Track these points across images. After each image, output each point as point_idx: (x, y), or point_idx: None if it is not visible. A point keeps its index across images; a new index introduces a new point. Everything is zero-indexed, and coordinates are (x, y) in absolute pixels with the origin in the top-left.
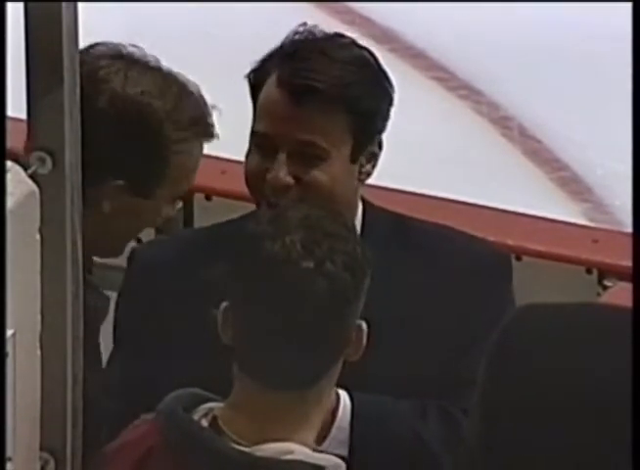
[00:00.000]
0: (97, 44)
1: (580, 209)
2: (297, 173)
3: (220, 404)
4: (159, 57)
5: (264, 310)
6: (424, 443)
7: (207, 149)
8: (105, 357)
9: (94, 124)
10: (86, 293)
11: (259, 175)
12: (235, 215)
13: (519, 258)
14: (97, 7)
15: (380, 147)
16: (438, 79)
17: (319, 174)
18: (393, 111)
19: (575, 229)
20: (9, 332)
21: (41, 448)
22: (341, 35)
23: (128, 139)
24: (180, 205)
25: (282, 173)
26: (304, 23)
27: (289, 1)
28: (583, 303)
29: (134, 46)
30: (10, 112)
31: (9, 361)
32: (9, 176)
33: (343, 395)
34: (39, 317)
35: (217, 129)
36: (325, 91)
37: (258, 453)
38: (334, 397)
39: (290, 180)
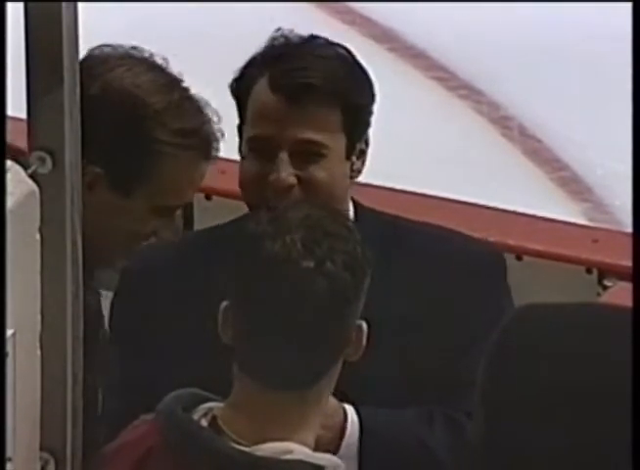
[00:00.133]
0: (107, 45)
1: (580, 208)
2: (299, 172)
3: (220, 404)
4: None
5: (264, 310)
6: (431, 453)
7: None
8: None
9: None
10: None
11: (259, 180)
12: (235, 215)
13: (519, 258)
14: (97, 7)
15: (367, 144)
16: (438, 79)
17: (320, 172)
18: (394, 111)
19: (575, 229)
20: (9, 332)
21: (41, 448)
22: (314, 36)
23: (113, 128)
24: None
25: (285, 174)
26: (279, 29)
27: (289, 1)
28: (583, 303)
29: (145, 49)
30: (10, 112)
31: (9, 361)
32: (9, 176)
33: (351, 411)
34: (39, 317)
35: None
36: (320, 87)
37: (258, 453)
38: (341, 412)
39: (293, 180)
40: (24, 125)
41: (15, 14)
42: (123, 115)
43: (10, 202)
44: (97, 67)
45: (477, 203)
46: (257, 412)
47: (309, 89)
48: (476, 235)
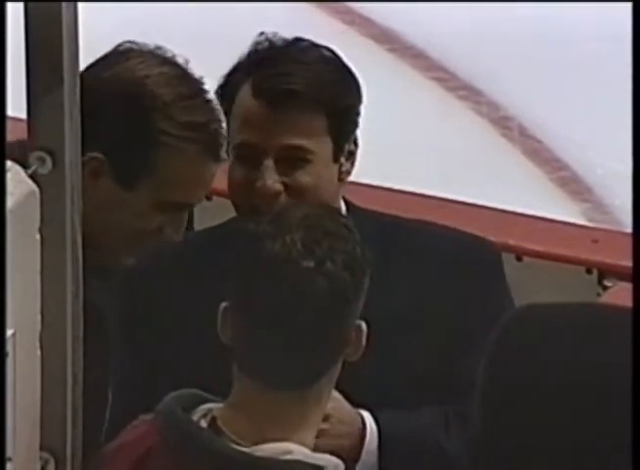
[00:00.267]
0: (132, 42)
1: (580, 209)
2: (285, 179)
3: (219, 405)
4: None
5: (264, 310)
6: (449, 456)
7: None
8: None
9: (92, 93)
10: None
11: (246, 186)
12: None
13: (519, 259)
14: (97, 7)
15: (356, 145)
16: (438, 79)
17: (305, 177)
18: (393, 111)
19: (575, 229)
20: (9, 332)
21: (41, 448)
22: (299, 39)
23: (120, 117)
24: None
25: (271, 181)
26: (262, 33)
27: (289, 1)
28: (583, 303)
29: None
30: (10, 112)
31: (9, 361)
32: (9, 176)
33: (368, 417)
34: (39, 317)
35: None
36: (303, 93)
37: (257, 453)
38: (359, 419)
39: (279, 187)
40: (24, 125)
41: (15, 14)
42: (131, 104)
43: (10, 202)
44: (114, 56)
45: (476, 203)
46: (257, 413)
47: (292, 95)
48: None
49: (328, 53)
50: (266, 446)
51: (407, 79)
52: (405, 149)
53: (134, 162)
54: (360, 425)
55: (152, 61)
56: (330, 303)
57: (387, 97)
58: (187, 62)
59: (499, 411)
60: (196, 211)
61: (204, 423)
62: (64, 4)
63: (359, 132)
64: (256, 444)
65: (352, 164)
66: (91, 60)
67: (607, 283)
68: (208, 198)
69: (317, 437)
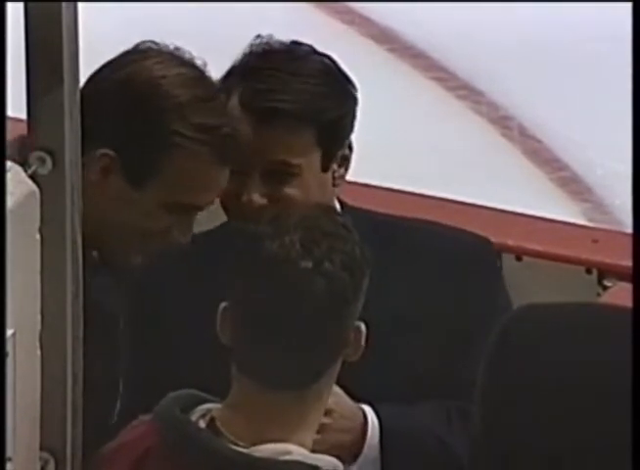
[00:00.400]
0: (152, 41)
1: (580, 209)
2: (271, 193)
3: (218, 405)
4: None
5: (263, 310)
6: (451, 450)
7: None
8: None
9: (108, 90)
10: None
11: (235, 199)
12: None
13: (519, 259)
14: (97, 7)
15: (350, 149)
16: (438, 79)
17: (292, 191)
18: (393, 111)
19: (575, 229)
20: (9, 332)
21: (41, 448)
22: (298, 43)
23: (134, 115)
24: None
25: (255, 196)
26: (259, 36)
27: (289, 1)
28: (583, 303)
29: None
30: (10, 112)
31: (9, 361)
32: (9, 176)
33: (370, 412)
34: (39, 317)
35: None
36: (290, 111)
37: (256, 454)
38: (360, 414)
39: (263, 201)
40: (24, 125)
41: (15, 14)
42: (145, 103)
43: (10, 202)
44: (132, 55)
45: (476, 203)
46: (256, 413)
47: (278, 113)
48: None
49: (324, 61)
50: (265, 447)
51: (407, 79)
52: (405, 149)
53: (145, 160)
54: (362, 419)
55: (169, 61)
56: (328, 303)
57: (386, 97)
58: (205, 64)
59: (499, 411)
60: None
61: (202, 423)
62: (64, 4)
63: (359, 132)
64: (255, 444)
65: (346, 168)
66: (91, 60)
67: (607, 283)
68: None
69: (319, 432)
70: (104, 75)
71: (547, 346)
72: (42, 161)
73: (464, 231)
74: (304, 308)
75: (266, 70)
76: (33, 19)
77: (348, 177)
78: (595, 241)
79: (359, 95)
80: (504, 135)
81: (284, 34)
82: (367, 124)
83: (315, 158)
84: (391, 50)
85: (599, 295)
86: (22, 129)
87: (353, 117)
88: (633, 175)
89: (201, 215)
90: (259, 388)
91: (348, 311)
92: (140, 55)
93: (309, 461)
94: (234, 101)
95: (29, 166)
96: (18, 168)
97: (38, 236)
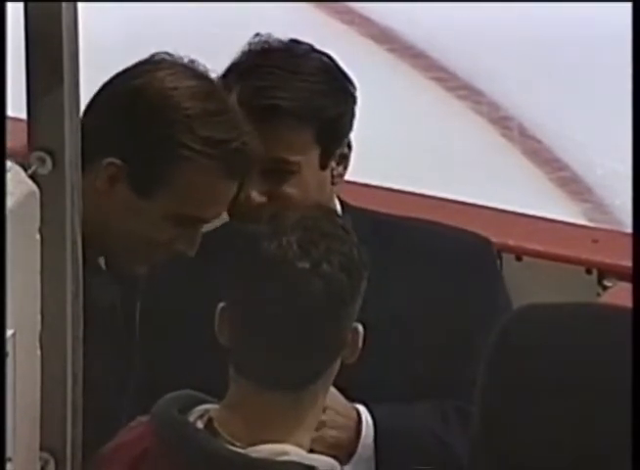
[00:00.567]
0: (167, 53)
1: (580, 209)
2: (270, 191)
3: (216, 406)
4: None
5: (260, 310)
6: (449, 449)
7: None
8: None
9: (118, 99)
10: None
11: (233, 197)
12: None
13: (519, 259)
14: (97, 7)
15: (349, 147)
16: (438, 79)
17: (290, 189)
18: (393, 111)
19: (575, 229)
20: (9, 332)
21: (41, 448)
22: (297, 42)
23: (143, 125)
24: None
25: (254, 194)
26: (257, 34)
27: (289, 1)
28: (583, 303)
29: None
30: (10, 112)
31: (9, 361)
32: (9, 176)
33: (364, 412)
34: (39, 317)
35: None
36: (289, 108)
37: (253, 454)
38: (354, 413)
39: (262, 199)
40: (24, 125)
41: (15, 14)
42: (155, 114)
43: (10, 202)
44: (146, 65)
45: (476, 203)
46: (253, 414)
47: (276, 111)
48: None
49: (322, 59)
50: (262, 447)
51: (407, 79)
52: (405, 149)
53: (152, 171)
54: (356, 418)
55: (182, 73)
56: (326, 304)
57: (386, 97)
58: (218, 76)
59: (499, 411)
60: None
61: (200, 424)
62: (64, 4)
63: (359, 132)
64: (253, 445)
65: (345, 167)
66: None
67: (607, 283)
68: None
69: (316, 428)
70: (116, 84)
71: (547, 346)
72: (42, 161)
73: (464, 231)
74: (302, 309)
75: (265, 68)
76: (33, 18)
77: (348, 177)
78: (595, 241)
79: (359, 95)
80: (504, 135)
81: (284, 34)
82: (367, 124)
83: (314, 155)
84: (391, 50)
85: (599, 295)
86: (23, 129)
87: (352, 115)
88: (633, 175)
89: None
90: (257, 388)
91: (346, 313)
92: (153, 65)
93: (306, 462)
94: (233, 99)
95: (29, 166)
96: (18, 168)
97: (38, 236)
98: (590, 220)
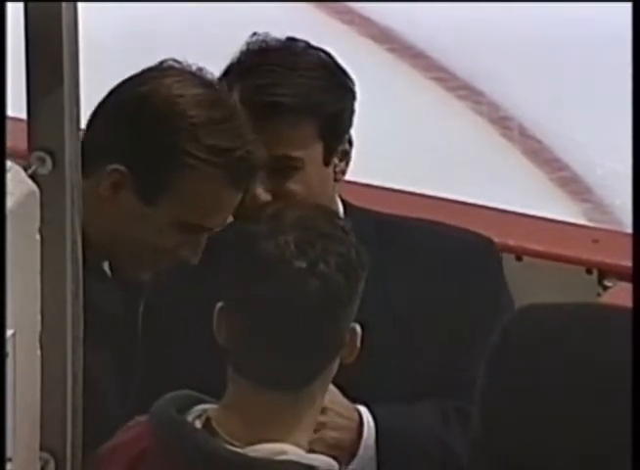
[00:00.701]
0: (176, 60)
1: (580, 209)
2: (275, 188)
3: (214, 406)
4: (158, 57)
5: (258, 310)
6: (450, 450)
7: None
8: None
9: (124, 105)
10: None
11: None
12: None
13: (519, 259)
14: (97, 7)
15: (350, 144)
16: (438, 80)
17: (295, 185)
18: (393, 111)
19: (575, 229)
20: (9, 332)
21: (41, 448)
22: (294, 39)
23: (148, 132)
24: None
25: (259, 191)
26: (255, 34)
27: (289, 1)
28: (583, 303)
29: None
30: (10, 112)
31: (9, 361)
32: (9, 176)
33: (365, 412)
34: (39, 317)
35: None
36: (290, 104)
37: (252, 454)
38: (356, 414)
39: (267, 196)
40: (24, 125)
41: (15, 14)
42: (160, 121)
43: (10, 202)
44: (153, 72)
45: (476, 203)
46: (251, 413)
47: (278, 108)
48: None
49: (320, 56)
50: (260, 447)
51: (407, 79)
52: (405, 149)
53: (156, 178)
54: (357, 419)
55: (189, 81)
56: (323, 304)
57: (386, 97)
58: (226, 87)
59: (499, 412)
60: None
61: (198, 424)
62: (64, 4)
63: (359, 132)
64: (251, 444)
65: (347, 163)
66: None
67: (607, 283)
68: None
69: (317, 429)
70: (122, 91)
71: (547, 346)
72: (42, 161)
73: (467, 231)
74: (298, 309)
75: (265, 67)
76: (33, 19)
77: (349, 177)
78: (595, 241)
79: (359, 95)
80: (504, 135)
81: (284, 34)
82: (367, 124)
83: (317, 151)
84: (391, 50)
85: (599, 295)
86: (23, 129)
87: (352, 111)
88: (633, 175)
89: None
90: (255, 388)
91: (344, 313)
92: (160, 72)
93: (305, 461)
94: (237, 105)
95: (29, 166)
96: (18, 168)
97: (38, 236)
98: (590, 220)
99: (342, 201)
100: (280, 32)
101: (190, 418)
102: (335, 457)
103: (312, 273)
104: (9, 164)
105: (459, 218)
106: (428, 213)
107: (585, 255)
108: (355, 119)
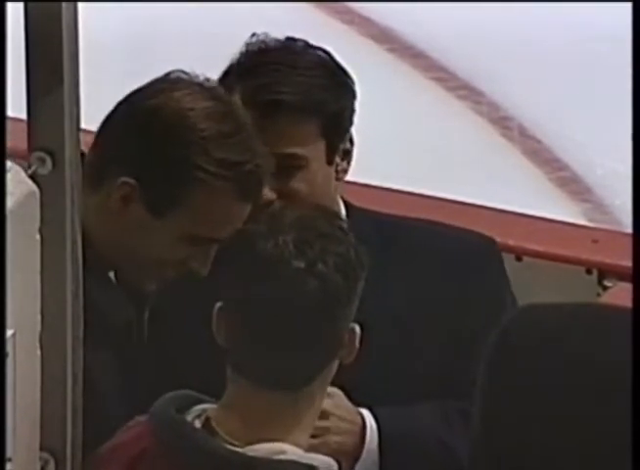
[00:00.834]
0: (183, 71)
1: (580, 209)
2: (278, 187)
3: (213, 406)
4: (158, 57)
5: (256, 310)
6: (452, 452)
7: None
8: None
9: (134, 118)
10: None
11: None
12: None
13: (519, 259)
14: (97, 7)
15: (351, 142)
16: (438, 79)
17: (298, 184)
18: (393, 111)
19: (575, 229)
20: (9, 332)
21: (41, 448)
22: (293, 39)
23: (158, 145)
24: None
25: (265, 190)
26: (254, 34)
27: (289, 1)
28: (583, 303)
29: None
30: (10, 112)
31: (9, 361)
32: (9, 176)
33: (368, 416)
34: (39, 317)
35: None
36: (292, 103)
37: (251, 454)
38: (359, 418)
39: (272, 195)
40: (24, 125)
41: (15, 14)
42: (171, 134)
43: (10, 202)
44: (162, 84)
45: (476, 203)
46: (250, 413)
47: (281, 106)
48: None
49: (320, 55)
50: (260, 446)
51: (407, 79)
52: (405, 149)
53: (166, 191)
54: (361, 423)
55: (198, 94)
56: (321, 303)
57: (386, 97)
58: (235, 100)
59: (499, 412)
60: None
61: (197, 424)
62: (64, 4)
63: (359, 133)
64: (250, 444)
65: (349, 162)
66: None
67: (607, 283)
68: None
69: (319, 435)
70: (132, 103)
71: (547, 346)
72: (42, 161)
73: (469, 231)
74: (297, 309)
75: (265, 66)
76: (33, 18)
77: (349, 177)
78: (595, 241)
79: (359, 95)
80: (504, 135)
81: (284, 34)
82: (367, 124)
83: (320, 150)
84: (391, 50)
85: (599, 295)
86: (23, 129)
87: (353, 109)
88: (633, 175)
89: None
90: (254, 388)
91: (342, 313)
92: (170, 85)
93: (304, 461)
94: (235, 98)
95: (29, 166)
96: (18, 168)
97: (38, 236)
98: (590, 220)
99: (345, 202)
100: (280, 32)
101: (189, 418)
102: (338, 461)
103: (311, 273)
104: (9, 164)
105: (459, 218)
106: (428, 213)
107: (585, 255)
108: (355, 119)
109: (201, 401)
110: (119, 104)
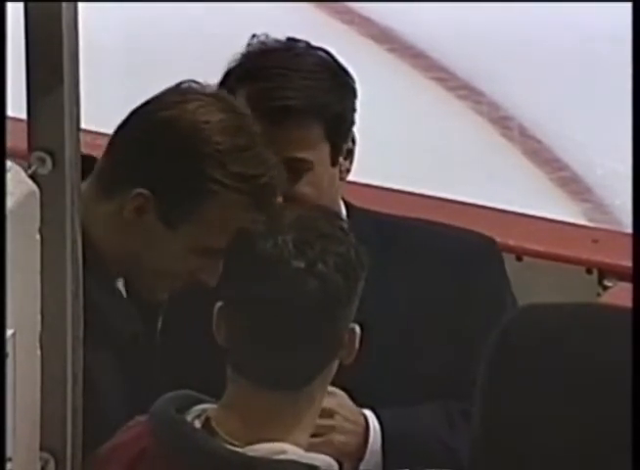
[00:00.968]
0: (194, 81)
1: (580, 209)
2: (285, 191)
3: (213, 406)
4: (158, 57)
5: (256, 310)
6: (454, 454)
7: None
8: None
9: (148, 130)
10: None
11: None
12: None
13: (519, 259)
14: (97, 7)
15: (353, 141)
16: (438, 79)
17: (306, 187)
18: (393, 111)
19: (575, 229)
20: (9, 332)
21: (41, 448)
22: (294, 40)
23: (173, 158)
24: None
25: None
26: (254, 35)
27: (289, 1)
28: (583, 303)
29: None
30: (10, 112)
31: (9, 361)
32: (9, 176)
33: (371, 417)
34: (39, 317)
35: None
36: (299, 107)
37: (251, 453)
38: (362, 419)
39: (280, 200)
40: (24, 125)
41: (15, 14)
42: (186, 147)
43: (10, 202)
44: (174, 95)
45: (476, 203)
46: (251, 413)
47: (288, 111)
48: None
49: (322, 56)
50: (260, 446)
51: (407, 79)
52: (405, 149)
53: (180, 204)
54: (364, 424)
55: (212, 106)
56: (321, 304)
57: (386, 97)
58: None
59: (499, 412)
60: None
61: (197, 424)
62: (64, 4)
63: (359, 133)
64: (250, 444)
65: (351, 161)
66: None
67: (607, 283)
68: None
69: (322, 434)
70: (145, 114)
71: (547, 346)
72: (42, 161)
73: (469, 231)
74: (297, 309)
75: (268, 69)
76: (33, 18)
77: (349, 178)
78: (595, 241)
79: (359, 95)
80: (504, 135)
81: (285, 35)
82: (367, 124)
83: (325, 152)
84: (391, 50)
85: (599, 295)
86: (23, 129)
87: (354, 109)
88: (633, 175)
89: None
90: (254, 388)
91: (342, 313)
92: (183, 96)
93: (304, 460)
94: (239, 102)
95: (29, 166)
96: (18, 168)
97: (38, 236)
98: (590, 220)
99: (345, 202)
100: (280, 33)
101: (189, 418)
102: (339, 462)
103: (311, 273)
104: (9, 164)
105: (459, 218)
106: (428, 213)
107: (585, 255)
108: (355, 117)
109: (201, 401)
110: (131, 114)
